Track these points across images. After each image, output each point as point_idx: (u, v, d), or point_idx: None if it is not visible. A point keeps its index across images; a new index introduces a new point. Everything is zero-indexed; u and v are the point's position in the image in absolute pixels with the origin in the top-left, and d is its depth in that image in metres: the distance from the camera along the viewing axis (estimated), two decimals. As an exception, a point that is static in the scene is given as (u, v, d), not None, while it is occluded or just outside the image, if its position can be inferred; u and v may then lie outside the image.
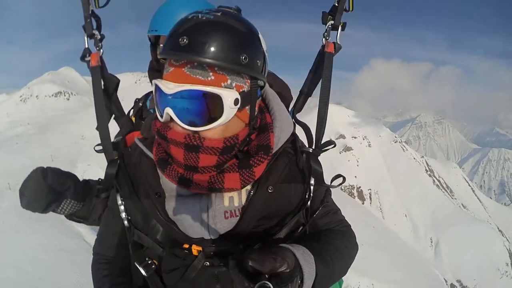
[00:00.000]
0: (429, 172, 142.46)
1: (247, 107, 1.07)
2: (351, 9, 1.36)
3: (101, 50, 1.40)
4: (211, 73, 0.96)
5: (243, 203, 1.12)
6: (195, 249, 1.14)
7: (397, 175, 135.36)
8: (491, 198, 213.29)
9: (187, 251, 1.16)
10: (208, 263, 1.14)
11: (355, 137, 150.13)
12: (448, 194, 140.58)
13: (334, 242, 1.20)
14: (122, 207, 1.23)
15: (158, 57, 1.01)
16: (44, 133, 49.91)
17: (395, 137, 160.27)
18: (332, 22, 1.37)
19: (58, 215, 1.53)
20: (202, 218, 1.09)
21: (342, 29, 1.38)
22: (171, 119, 1.01)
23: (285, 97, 1.48)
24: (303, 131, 1.40)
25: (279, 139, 1.16)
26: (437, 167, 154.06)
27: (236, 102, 0.99)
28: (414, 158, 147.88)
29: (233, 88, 0.99)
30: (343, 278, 1.42)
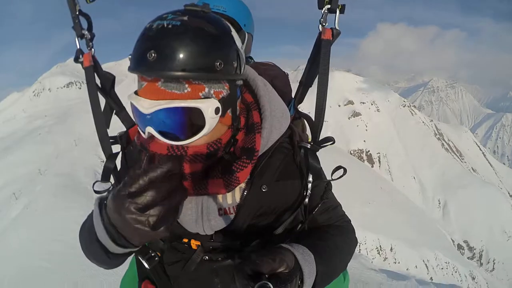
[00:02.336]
0: (438, 136, 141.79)
1: (228, 111, 1.01)
2: None
3: (93, 49, 1.40)
4: (186, 85, 0.90)
5: (237, 201, 1.11)
6: (194, 243, 1.15)
7: (406, 138, 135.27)
8: (504, 164, 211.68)
9: (186, 245, 1.17)
10: (207, 257, 1.16)
11: (363, 103, 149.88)
12: (458, 157, 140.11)
13: (334, 238, 1.19)
14: None
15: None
16: (64, 122, 50.49)
17: (404, 101, 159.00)
18: (329, 6, 1.26)
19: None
20: (196, 214, 1.09)
21: (341, 12, 1.27)
22: (153, 135, 0.97)
23: (277, 86, 1.37)
24: (307, 123, 1.40)
25: (267, 140, 1.12)
26: (447, 131, 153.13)
27: (217, 111, 0.94)
28: (423, 122, 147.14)
29: (211, 97, 0.94)
30: (348, 265, 1.39)
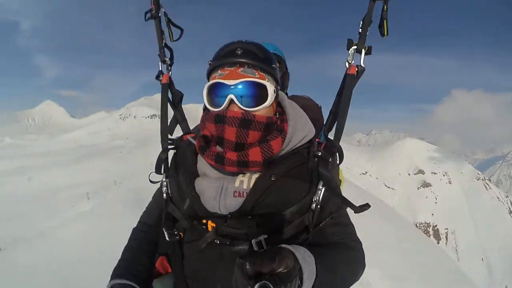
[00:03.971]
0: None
1: (274, 102, 1.37)
2: (386, 34, 1.45)
3: (170, 72, 1.76)
4: (256, 73, 1.28)
5: (251, 187, 1.30)
6: (210, 224, 1.32)
7: (478, 215, 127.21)
8: None
9: (204, 227, 1.33)
10: (218, 241, 1.28)
11: (434, 173, 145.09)
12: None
13: (341, 252, 1.27)
14: (164, 183, 1.55)
15: (211, 67, 1.34)
16: (143, 147, 54.96)
17: (478, 174, 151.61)
18: (356, 47, 1.44)
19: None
20: (216, 192, 1.31)
21: (368, 53, 1.44)
22: (229, 106, 1.28)
23: (308, 115, 1.61)
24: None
25: (293, 132, 1.38)
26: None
27: (274, 91, 1.32)
28: (498, 198, 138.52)
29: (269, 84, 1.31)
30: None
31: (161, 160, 1.57)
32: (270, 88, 1.29)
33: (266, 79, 1.30)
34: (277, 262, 0.86)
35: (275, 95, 1.33)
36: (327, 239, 1.35)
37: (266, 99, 1.28)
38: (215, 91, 1.29)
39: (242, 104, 1.25)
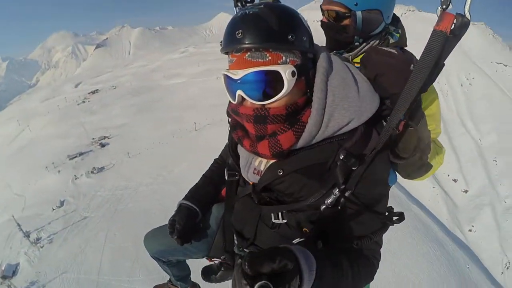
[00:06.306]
0: None
1: (303, 78, 1.15)
2: None
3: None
4: (267, 55, 1.08)
5: (265, 169, 1.33)
6: (251, 181, 1.42)
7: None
8: None
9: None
10: (252, 195, 1.38)
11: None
12: None
13: (352, 263, 1.17)
14: (229, 134, 1.57)
15: (221, 52, 1.19)
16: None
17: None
18: None
19: None
20: (245, 164, 1.40)
21: None
22: (242, 100, 1.18)
23: (380, 84, 1.31)
24: None
25: (320, 121, 1.17)
26: None
27: (293, 74, 1.10)
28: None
29: (288, 63, 1.10)
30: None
31: (228, 112, 1.54)
32: (286, 71, 1.09)
33: (283, 57, 1.10)
34: (277, 262, 0.84)
35: (295, 77, 1.11)
36: (347, 246, 1.26)
37: (282, 87, 1.10)
38: (226, 83, 1.20)
39: (253, 99, 1.14)
